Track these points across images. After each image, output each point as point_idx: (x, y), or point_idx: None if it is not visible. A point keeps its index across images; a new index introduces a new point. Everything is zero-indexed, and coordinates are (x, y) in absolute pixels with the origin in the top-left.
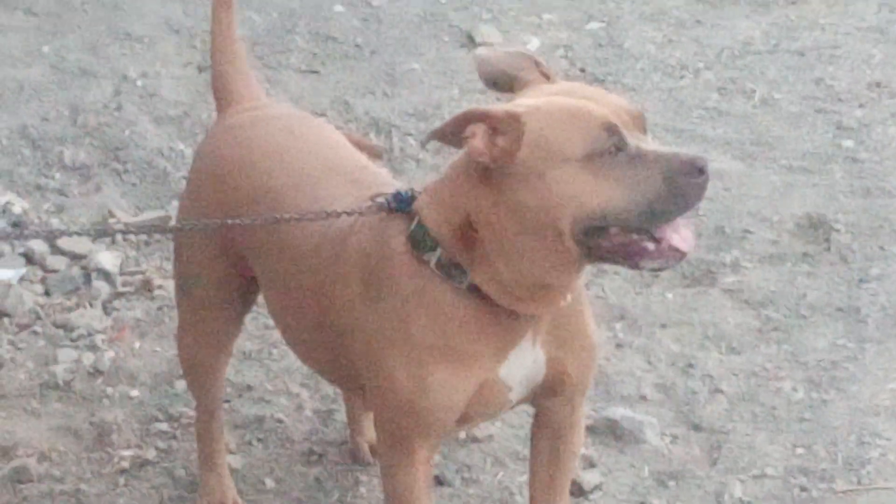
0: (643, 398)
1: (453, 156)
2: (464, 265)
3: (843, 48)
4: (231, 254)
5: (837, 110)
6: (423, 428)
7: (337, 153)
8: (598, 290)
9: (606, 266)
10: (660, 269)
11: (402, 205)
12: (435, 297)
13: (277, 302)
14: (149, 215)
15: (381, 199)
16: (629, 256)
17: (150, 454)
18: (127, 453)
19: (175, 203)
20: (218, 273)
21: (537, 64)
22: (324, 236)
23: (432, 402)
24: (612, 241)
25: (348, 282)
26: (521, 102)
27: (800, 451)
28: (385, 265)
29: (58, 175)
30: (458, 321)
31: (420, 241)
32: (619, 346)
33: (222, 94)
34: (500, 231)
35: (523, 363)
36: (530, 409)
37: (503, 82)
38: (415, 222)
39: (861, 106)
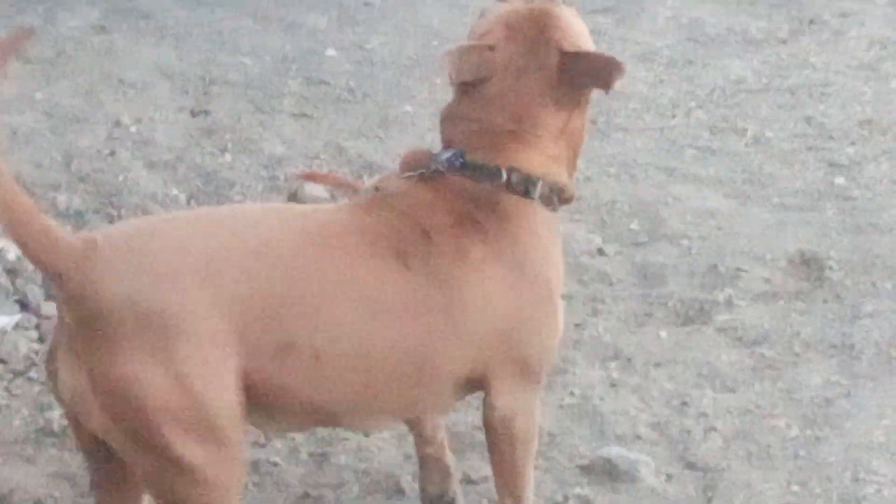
0: (638, 437)
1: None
2: (563, 184)
3: (834, 86)
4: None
5: (829, 148)
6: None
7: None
8: (592, 329)
9: (601, 306)
10: None
11: (458, 162)
12: (546, 229)
13: (329, 382)
14: None
15: (432, 165)
16: None
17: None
18: None
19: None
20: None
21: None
22: (374, 252)
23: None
24: None
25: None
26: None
27: (795, 488)
28: (499, 218)
29: (52, 221)
30: (556, 242)
31: (518, 185)
32: (613, 385)
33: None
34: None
35: None
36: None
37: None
38: (506, 173)
39: (852, 143)
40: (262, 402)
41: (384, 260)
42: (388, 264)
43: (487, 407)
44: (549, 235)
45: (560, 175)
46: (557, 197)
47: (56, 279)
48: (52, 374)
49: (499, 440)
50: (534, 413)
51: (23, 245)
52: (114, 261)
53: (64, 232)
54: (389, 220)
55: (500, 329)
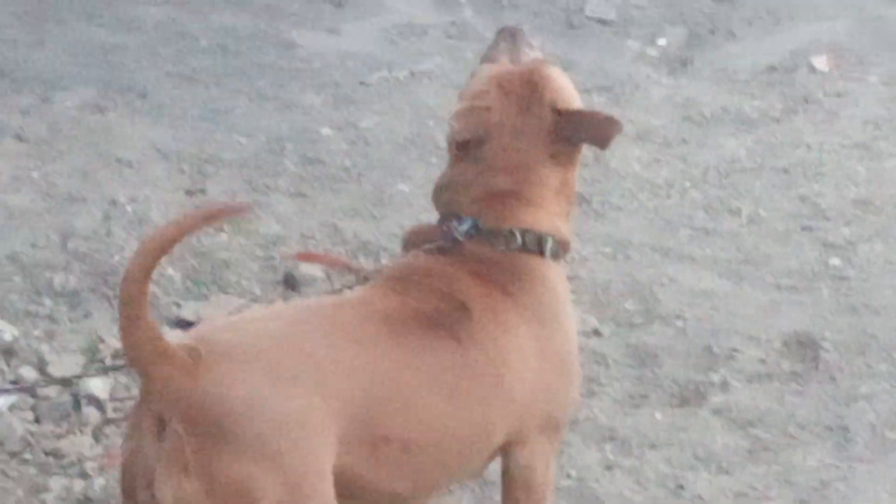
0: None
1: None
2: (566, 238)
3: (829, 165)
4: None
5: (824, 228)
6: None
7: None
8: (587, 411)
9: (596, 387)
10: None
11: (473, 230)
12: (560, 282)
13: (402, 463)
14: None
15: (451, 237)
16: None
17: None
18: None
19: (165, 328)
20: None
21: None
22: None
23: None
24: None
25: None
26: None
27: None
28: (519, 279)
29: (48, 301)
30: (568, 293)
31: (532, 245)
32: (608, 467)
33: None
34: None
35: None
36: None
37: None
38: (519, 236)
39: (847, 223)
40: (340, 493)
41: (441, 340)
42: (445, 344)
43: (509, 458)
44: (563, 288)
45: (564, 229)
46: (562, 249)
47: (164, 389)
48: (140, 482)
49: (517, 491)
50: (551, 465)
51: (132, 359)
52: (228, 369)
53: (172, 343)
54: (428, 298)
55: (537, 386)
